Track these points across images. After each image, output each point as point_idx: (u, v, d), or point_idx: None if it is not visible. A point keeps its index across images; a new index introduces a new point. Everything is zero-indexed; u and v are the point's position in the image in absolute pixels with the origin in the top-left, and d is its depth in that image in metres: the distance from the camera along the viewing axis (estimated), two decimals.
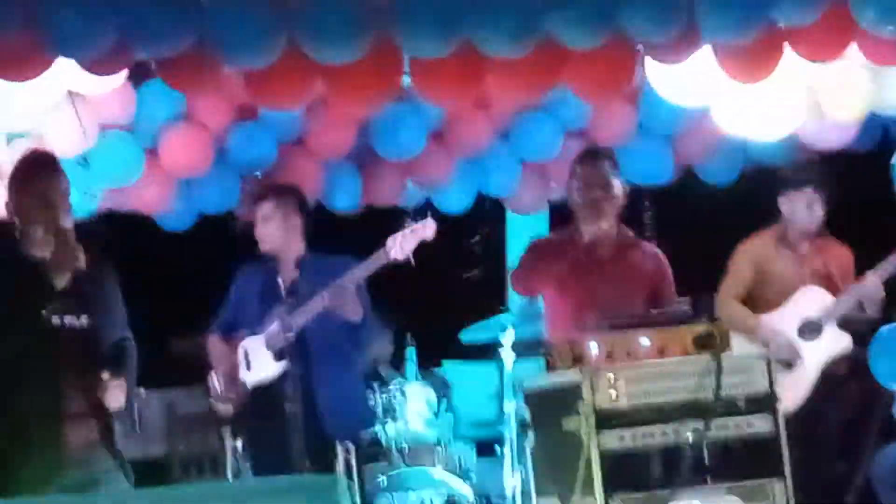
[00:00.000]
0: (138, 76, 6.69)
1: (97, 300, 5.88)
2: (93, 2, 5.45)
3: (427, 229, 6.77)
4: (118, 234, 7.49)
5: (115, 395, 5.80)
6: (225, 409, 7.15)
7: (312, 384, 6.80)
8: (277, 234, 7.02)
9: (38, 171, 5.98)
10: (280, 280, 6.88)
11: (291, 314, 6.77)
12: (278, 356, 6.80)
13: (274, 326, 6.80)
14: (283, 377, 6.78)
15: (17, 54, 5.55)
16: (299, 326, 6.76)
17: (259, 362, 6.89)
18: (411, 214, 7.05)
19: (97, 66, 5.81)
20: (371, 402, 7.85)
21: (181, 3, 5.55)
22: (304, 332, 6.78)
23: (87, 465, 5.74)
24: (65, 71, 5.90)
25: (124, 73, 6.33)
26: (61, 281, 5.79)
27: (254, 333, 6.91)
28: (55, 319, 5.77)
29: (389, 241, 6.76)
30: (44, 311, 5.75)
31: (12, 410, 5.77)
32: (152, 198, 7.78)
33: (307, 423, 6.70)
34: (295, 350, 6.78)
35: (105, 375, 5.77)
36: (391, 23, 5.64)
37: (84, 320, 5.81)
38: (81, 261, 5.83)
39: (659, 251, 7.09)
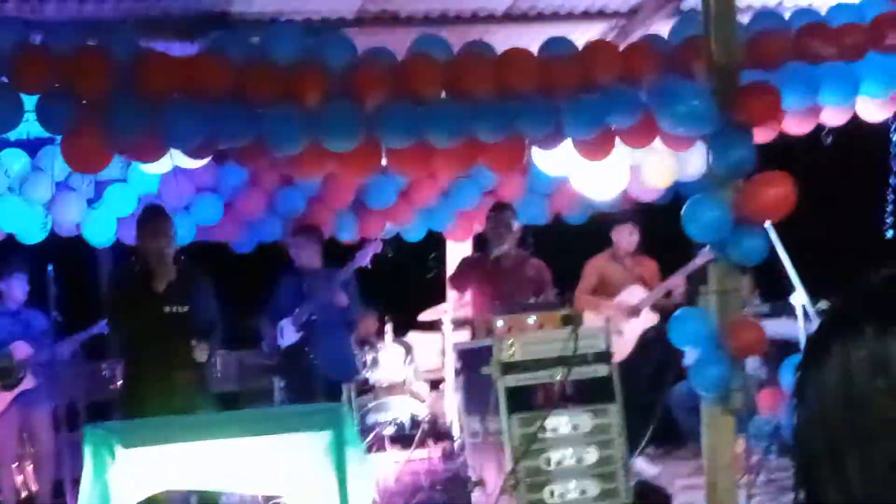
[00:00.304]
0: (220, 158, 6.66)
1: (191, 296, 5.85)
2: (190, 113, 5.40)
3: (376, 245, 6.85)
4: (208, 255, 7.45)
5: (201, 354, 5.85)
6: (271, 362, 7.19)
7: (319, 347, 6.83)
8: (305, 256, 7.04)
9: (150, 216, 6.00)
10: (304, 284, 6.91)
11: (308, 303, 6.82)
12: (299, 329, 6.83)
13: (298, 310, 6.84)
14: (303, 342, 6.81)
15: (144, 145, 5.52)
16: (313, 310, 6.80)
17: (288, 333, 6.92)
18: (375, 238, 7.13)
19: (194, 153, 5.79)
20: (361, 358, 7.86)
21: (246, 114, 5.50)
22: (314, 313, 6.83)
23: (188, 397, 5.76)
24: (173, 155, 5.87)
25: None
26: (161, 286, 5.79)
27: (289, 316, 6.95)
28: (167, 308, 5.77)
29: (357, 254, 6.86)
30: (159, 303, 5.75)
31: (142, 362, 5.85)
32: (229, 232, 7.78)
33: (320, 371, 6.73)
34: (309, 324, 6.82)
35: (194, 342, 5.81)
36: (376, 126, 5.62)
37: (185, 309, 5.80)
38: (173, 273, 5.81)
39: (542, 263, 7.09)
